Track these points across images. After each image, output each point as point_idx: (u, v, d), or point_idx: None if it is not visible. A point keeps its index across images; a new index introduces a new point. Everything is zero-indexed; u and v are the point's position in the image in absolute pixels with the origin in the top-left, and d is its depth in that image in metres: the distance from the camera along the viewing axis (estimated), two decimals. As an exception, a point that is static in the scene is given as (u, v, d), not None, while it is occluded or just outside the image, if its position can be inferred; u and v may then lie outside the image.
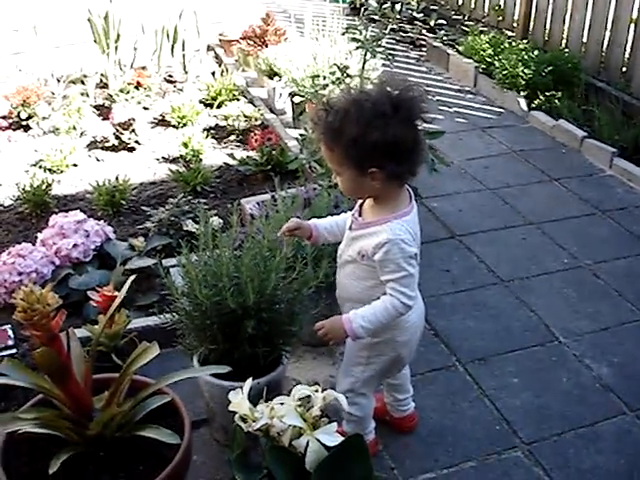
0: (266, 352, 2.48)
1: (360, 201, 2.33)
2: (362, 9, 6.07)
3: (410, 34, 7.81)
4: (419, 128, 2.14)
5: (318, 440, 1.88)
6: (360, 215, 2.31)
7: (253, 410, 1.94)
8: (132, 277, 2.39)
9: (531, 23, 6.69)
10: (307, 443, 1.88)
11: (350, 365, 2.46)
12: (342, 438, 1.90)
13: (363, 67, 3.72)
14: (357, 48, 3.76)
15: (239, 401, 1.95)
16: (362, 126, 2.05)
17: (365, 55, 3.71)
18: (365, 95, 2.12)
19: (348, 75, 3.77)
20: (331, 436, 1.89)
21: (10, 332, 2.91)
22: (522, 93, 5.88)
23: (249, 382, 2.01)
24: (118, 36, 6.09)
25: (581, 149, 5.17)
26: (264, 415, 1.91)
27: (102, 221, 3.80)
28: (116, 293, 2.87)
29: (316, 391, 1.99)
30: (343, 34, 4.01)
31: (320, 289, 2.60)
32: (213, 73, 6.29)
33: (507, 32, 6.97)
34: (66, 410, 2.06)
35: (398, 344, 2.40)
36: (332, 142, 2.14)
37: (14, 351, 2.87)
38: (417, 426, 2.80)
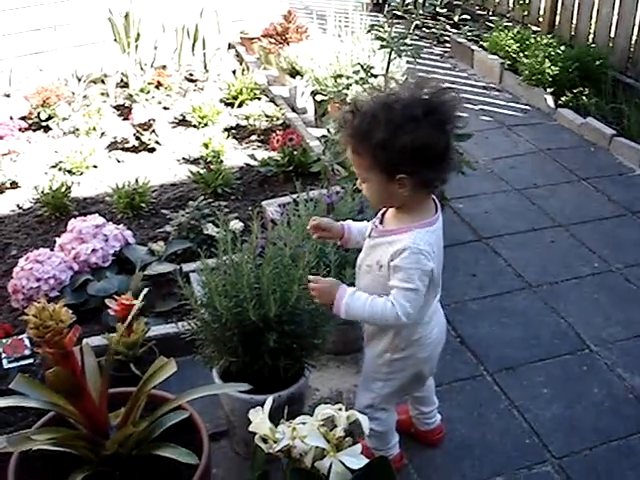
0: (288, 365, 2.40)
1: (383, 209, 2.25)
2: (385, 5, 5.96)
3: (434, 30, 7.70)
4: (450, 134, 2.03)
5: (342, 462, 1.80)
6: (381, 223, 2.21)
7: (274, 430, 1.86)
8: (145, 290, 2.32)
9: (557, 18, 6.54)
10: (330, 465, 1.80)
11: (369, 381, 2.38)
12: (367, 460, 1.81)
13: (388, 66, 3.63)
14: (382, 47, 3.66)
15: (259, 421, 1.88)
16: (391, 129, 1.96)
17: (390, 54, 3.61)
18: (395, 97, 2.01)
19: (372, 75, 3.68)
20: (355, 458, 1.80)
21: (27, 341, 2.85)
22: (549, 90, 5.77)
23: (269, 401, 1.93)
24: (138, 35, 6.06)
25: (610, 148, 5.05)
26: (285, 436, 1.83)
27: (121, 224, 3.77)
28: (134, 301, 2.82)
29: (339, 410, 1.91)
30: (368, 32, 3.91)
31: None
32: (234, 71, 6.23)
33: (532, 27, 6.83)
34: (81, 428, 2.00)
35: (419, 360, 2.31)
36: (359, 146, 2.04)
37: (31, 361, 2.82)
38: (444, 439, 2.71)
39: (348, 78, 3.86)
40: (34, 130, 5.26)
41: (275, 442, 1.85)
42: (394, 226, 2.15)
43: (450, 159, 2.06)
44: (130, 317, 2.26)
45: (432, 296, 2.21)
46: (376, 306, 2.09)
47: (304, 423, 1.87)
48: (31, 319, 1.82)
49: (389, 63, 3.66)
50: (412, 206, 2.11)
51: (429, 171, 2.02)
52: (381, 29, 3.77)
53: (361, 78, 3.69)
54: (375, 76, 3.71)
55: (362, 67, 3.66)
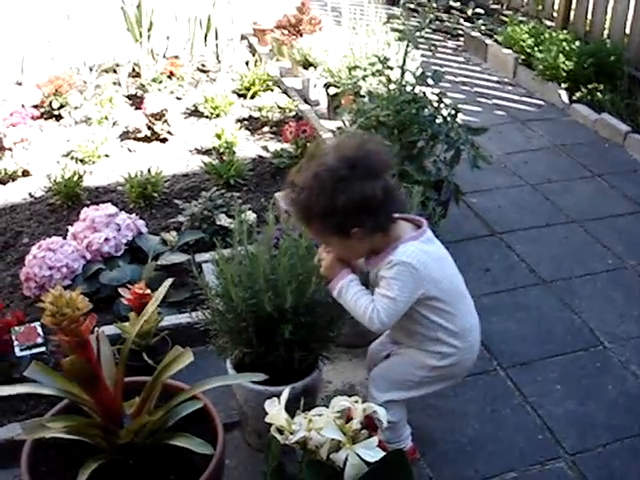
0: (302, 356, 2.39)
1: None
2: (400, -2, 5.93)
3: (447, 23, 7.66)
4: (385, 177, 2.11)
5: (358, 454, 1.79)
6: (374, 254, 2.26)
7: (290, 422, 1.85)
8: (169, 281, 2.32)
9: (571, 13, 6.49)
10: (346, 457, 1.79)
11: (397, 383, 2.37)
12: (383, 453, 1.80)
13: (404, 59, 3.60)
14: (399, 39, 3.64)
15: (276, 412, 1.87)
16: (327, 196, 2.05)
17: (407, 46, 3.59)
18: (322, 165, 2.08)
19: (389, 67, 3.66)
20: (371, 451, 1.79)
21: (39, 329, 2.85)
22: (563, 85, 5.74)
23: (286, 392, 1.92)
24: (151, 25, 6.04)
25: (624, 144, 5.02)
26: (302, 427, 1.82)
27: (134, 214, 3.76)
28: (147, 291, 2.82)
29: (356, 402, 1.90)
30: (384, 24, 3.89)
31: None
32: (247, 63, 6.21)
33: (547, 22, 6.78)
34: (96, 417, 1.99)
35: (463, 369, 2.39)
36: (307, 219, 2.16)
37: (43, 349, 2.82)
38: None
39: (365, 70, 3.83)
40: (46, 118, 5.26)
41: (291, 433, 1.84)
42: (380, 255, 2.21)
43: (393, 200, 2.13)
44: (152, 308, 2.24)
45: (455, 303, 2.27)
46: (359, 304, 2.19)
47: (320, 415, 1.86)
48: (47, 306, 1.81)
49: (405, 55, 3.63)
50: (383, 243, 2.18)
51: (376, 217, 2.10)
52: (397, 21, 3.74)
53: (377, 70, 3.67)
54: (391, 68, 3.68)
55: (379, 59, 3.64)
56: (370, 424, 2.01)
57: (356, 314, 2.21)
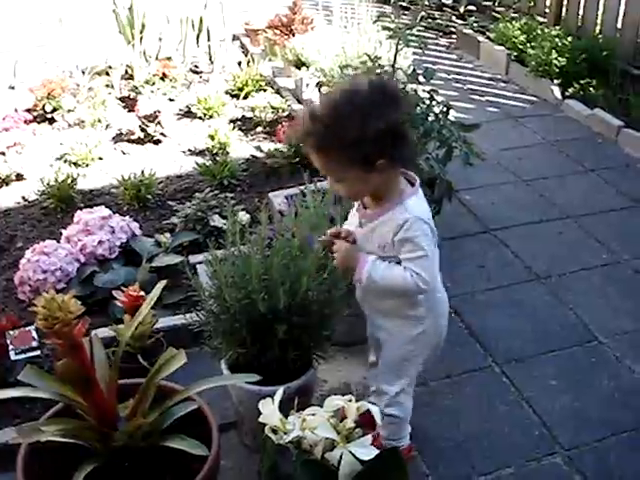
0: (296, 356, 2.39)
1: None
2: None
3: (439, 21, 7.66)
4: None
5: (352, 453, 1.79)
6: (365, 208, 2.22)
7: (284, 422, 1.85)
8: (163, 282, 2.31)
9: (563, 9, 6.50)
10: (340, 456, 1.79)
11: (397, 368, 2.36)
12: (377, 451, 1.80)
13: (395, 56, 3.60)
14: (389, 37, 3.64)
15: (270, 412, 1.87)
16: (360, 120, 1.95)
17: (397, 44, 3.59)
18: (353, 92, 2.01)
19: (380, 65, 3.66)
20: (366, 449, 1.80)
21: (34, 333, 2.85)
22: (556, 81, 5.74)
23: (280, 392, 1.92)
24: (143, 27, 6.03)
25: (617, 139, 5.03)
26: (296, 427, 1.82)
27: (128, 216, 3.76)
28: (142, 293, 2.82)
29: (350, 401, 1.90)
30: (374, 22, 3.89)
31: (351, 288, 2.50)
32: (239, 63, 6.20)
33: (539, 18, 6.80)
34: (90, 420, 1.99)
35: (441, 327, 2.35)
36: (330, 148, 2.01)
37: (38, 353, 2.81)
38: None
39: (356, 68, 3.83)
40: (39, 122, 5.24)
41: (285, 433, 1.84)
42: (380, 207, 2.16)
43: (409, 133, 2.10)
44: (146, 310, 2.24)
45: (435, 262, 2.23)
46: (395, 277, 2.12)
47: (314, 414, 1.86)
48: (40, 310, 1.81)
49: (396, 53, 3.63)
50: (389, 188, 2.13)
51: (402, 148, 2.04)
52: (388, 19, 3.74)
53: (368, 68, 3.67)
54: (382, 66, 3.68)
55: (369, 57, 3.64)
56: (368, 422, 2.01)
57: (397, 288, 2.14)
